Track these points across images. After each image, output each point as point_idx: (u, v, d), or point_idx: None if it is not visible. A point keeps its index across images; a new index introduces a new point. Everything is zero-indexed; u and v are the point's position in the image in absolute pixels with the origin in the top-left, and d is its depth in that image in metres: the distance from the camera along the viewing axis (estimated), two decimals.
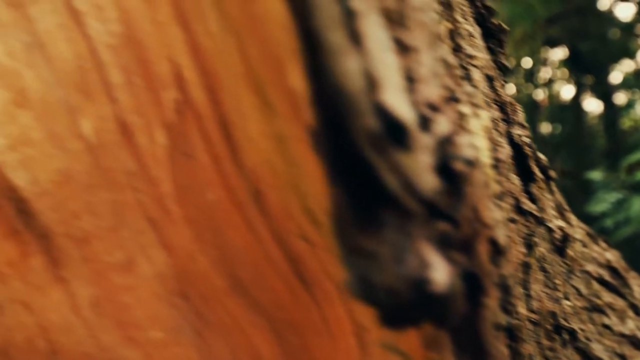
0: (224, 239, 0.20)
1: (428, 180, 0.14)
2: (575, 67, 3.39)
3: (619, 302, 0.46)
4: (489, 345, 0.20)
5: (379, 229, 0.14)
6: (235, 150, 0.19)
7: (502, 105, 0.29)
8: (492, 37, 0.34)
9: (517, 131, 0.30)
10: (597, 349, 0.39)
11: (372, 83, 0.14)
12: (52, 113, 0.18)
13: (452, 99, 0.18)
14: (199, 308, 0.21)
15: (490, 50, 0.33)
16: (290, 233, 0.20)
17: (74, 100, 0.18)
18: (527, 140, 0.31)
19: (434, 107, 0.16)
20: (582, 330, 0.37)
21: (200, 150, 0.19)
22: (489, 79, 0.29)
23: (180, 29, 0.18)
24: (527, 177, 0.31)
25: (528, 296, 0.29)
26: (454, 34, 0.25)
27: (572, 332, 0.35)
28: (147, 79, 0.19)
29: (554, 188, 0.40)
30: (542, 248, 0.32)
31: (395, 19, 0.16)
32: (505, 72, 0.34)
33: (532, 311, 0.29)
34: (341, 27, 0.14)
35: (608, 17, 3.25)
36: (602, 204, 1.77)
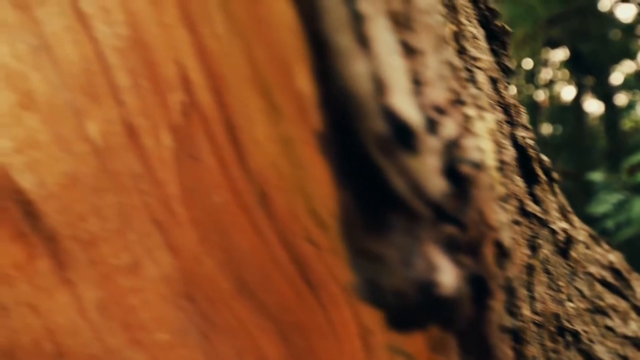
0: (230, 241, 0.20)
1: (436, 184, 0.14)
2: (576, 68, 3.39)
3: (622, 304, 0.46)
4: (494, 348, 0.20)
5: (387, 232, 0.14)
6: (241, 153, 0.19)
7: (505, 107, 0.29)
8: (496, 39, 0.34)
9: (520, 133, 0.30)
10: (600, 350, 0.39)
11: (380, 86, 0.14)
12: (58, 116, 0.18)
13: (458, 102, 0.18)
14: (205, 310, 0.21)
15: (494, 52, 0.33)
16: (296, 235, 0.20)
17: (80, 102, 0.18)
18: (531, 142, 0.31)
19: (440, 110, 0.16)
20: (585, 332, 0.37)
21: (206, 152, 0.19)
22: (493, 81, 0.29)
23: (186, 31, 0.18)
24: (531, 179, 0.31)
25: (532, 298, 0.29)
26: (458, 36, 0.25)
27: (575, 334, 0.35)
28: (154, 81, 0.19)
29: (557, 190, 0.40)
30: (546, 250, 0.32)
31: (401, 22, 0.16)
32: (508, 73, 0.34)
33: (536, 313, 0.29)
34: (349, 31, 0.14)
35: (609, 18, 3.25)
36: (603, 205, 1.77)
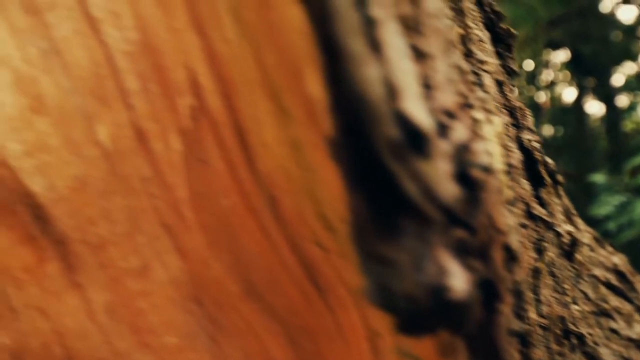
0: (238, 245, 0.20)
1: (448, 188, 0.14)
2: (577, 69, 3.39)
3: (626, 306, 0.46)
4: (503, 351, 0.20)
5: (398, 236, 0.15)
6: (250, 156, 0.19)
7: (511, 110, 0.29)
8: (501, 41, 0.34)
9: (526, 136, 0.30)
10: (604, 353, 0.39)
11: (392, 91, 0.14)
12: (68, 119, 0.18)
13: (466, 105, 0.18)
14: (214, 313, 0.21)
15: (499, 54, 0.33)
16: (304, 239, 0.20)
17: (90, 106, 0.19)
18: (537, 145, 0.31)
19: (450, 114, 0.16)
20: (590, 334, 0.37)
21: (215, 156, 0.19)
22: (499, 84, 0.29)
23: (196, 35, 0.18)
24: (537, 182, 0.31)
25: (538, 301, 0.29)
26: (465, 40, 0.25)
27: (580, 337, 0.35)
28: (163, 85, 0.19)
29: (561, 192, 0.40)
30: (551, 253, 0.32)
31: (411, 26, 0.16)
32: (513, 76, 0.34)
33: (542, 316, 0.29)
34: (361, 35, 0.14)
35: (610, 20, 3.26)
36: (605, 206, 1.77)
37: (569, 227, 0.35)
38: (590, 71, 3.32)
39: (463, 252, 0.16)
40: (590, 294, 0.39)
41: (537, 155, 0.31)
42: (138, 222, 0.19)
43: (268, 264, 0.20)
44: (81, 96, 0.18)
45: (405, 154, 0.13)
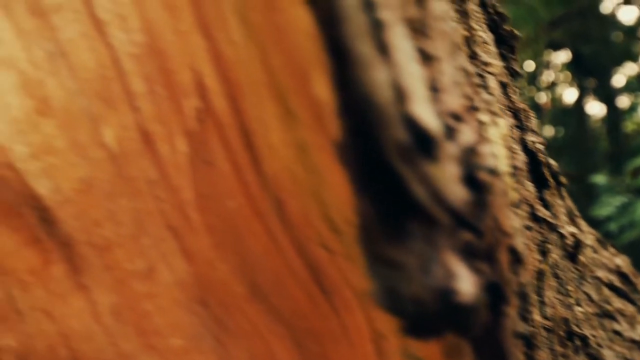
0: (243, 247, 0.20)
1: (456, 191, 0.14)
2: (578, 70, 3.39)
3: (629, 308, 0.46)
4: (508, 354, 0.20)
5: (406, 239, 0.15)
6: (256, 158, 0.19)
7: (515, 112, 0.29)
8: (504, 43, 0.34)
9: (530, 138, 0.30)
10: (608, 355, 0.39)
11: (400, 94, 0.14)
12: (74, 122, 0.18)
13: (472, 108, 0.18)
14: (219, 315, 0.21)
15: (502, 56, 0.33)
16: (310, 241, 0.20)
17: (96, 108, 0.19)
18: (541, 146, 0.31)
19: (457, 117, 0.16)
20: (593, 336, 0.37)
21: (221, 158, 0.19)
22: (503, 86, 0.29)
23: (202, 37, 0.18)
24: (541, 183, 0.31)
25: (542, 303, 0.29)
26: (469, 42, 0.25)
27: (584, 339, 0.35)
28: (169, 87, 0.19)
29: (564, 194, 0.40)
30: (555, 254, 0.32)
31: (418, 29, 0.16)
32: (516, 78, 0.34)
33: (546, 318, 0.29)
34: (369, 38, 0.14)
35: (611, 20, 3.26)
36: (606, 207, 1.77)
37: (573, 229, 0.35)
38: (591, 72, 3.32)
39: (470, 255, 0.16)
40: (594, 295, 0.39)
41: (541, 157, 0.31)
42: (144, 224, 0.19)
43: (273, 265, 0.20)
44: (87, 98, 0.18)
45: (413, 157, 0.13)
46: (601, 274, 0.41)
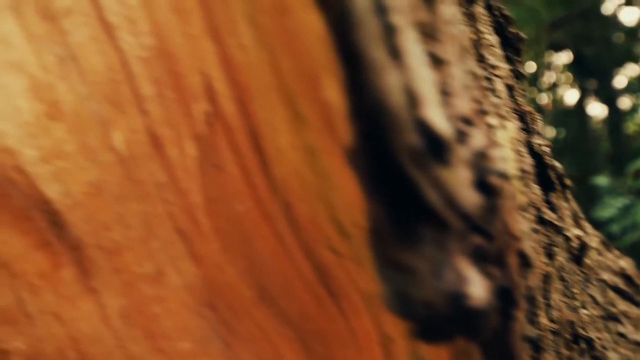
0: (252, 250, 0.20)
1: (469, 196, 0.14)
2: (580, 71, 3.39)
3: (634, 310, 0.45)
4: (517, 357, 0.20)
5: (417, 244, 0.15)
6: (264, 162, 0.19)
7: (522, 115, 0.29)
8: (510, 45, 0.34)
9: (537, 140, 0.30)
10: (613, 357, 0.39)
11: (412, 99, 0.14)
12: (84, 125, 0.18)
13: (481, 112, 0.18)
14: (227, 318, 0.21)
15: (508, 58, 0.33)
16: (318, 244, 0.20)
17: (105, 112, 0.19)
18: (547, 149, 0.31)
19: (467, 121, 0.16)
20: (598, 339, 0.37)
21: (229, 161, 0.19)
22: (509, 88, 0.29)
23: (211, 41, 0.18)
24: (547, 186, 0.31)
25: (548, 306, 0.29)
26: (477, 45, 0.25)
27: (589, 341, 0.35)
28: (178, 91, 0.19)
29: (569, 196, 0.40)
30: (561, 257, 0.32)
31: (428, 33, 0.16)
32: (521, 80, 0.34)
33: (552, 321, 0.29)
34: (382, 43, 0.14)
35: (612, 22, 3.26)
36: (608, 209, 1.77)
37: (578, 232, 0.35)
38: (592, 73, 3.32)
39: (481, 259, 0.16)
40: (599, 298, 0.39)
41: (547, 159, 0.31)
42: (153, 228, 0.19)
43: (281, 268, 0.20)
44: (97, 102, 0.18)
45: (426, 161, 0.13)
46: (606, 276, 0.41)
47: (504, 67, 0.28)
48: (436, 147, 0.14)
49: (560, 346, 0.31)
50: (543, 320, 0.27)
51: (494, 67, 0.26)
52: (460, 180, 0.14)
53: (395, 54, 0.14)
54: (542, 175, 0.30)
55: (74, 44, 0.18)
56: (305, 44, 0.16)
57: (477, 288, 0.15)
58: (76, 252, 0.19)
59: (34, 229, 0.19)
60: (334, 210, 0.19)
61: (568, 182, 0.38)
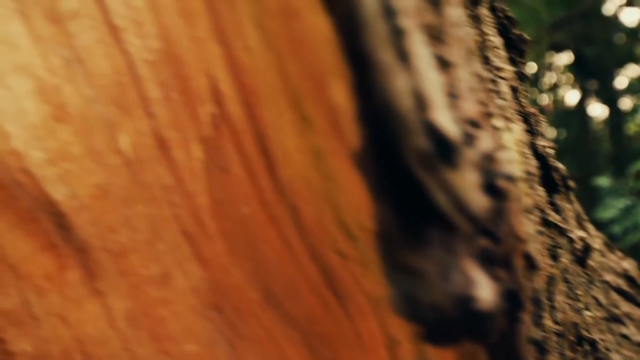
0: (258, 252, 0.20)
1: (477, 199, 0.14)
2: (580, 72, 3.39)
3: (636, 312, 0.45)
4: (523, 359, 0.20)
5: (425, 246, 0.15)
6: (271, 165, 0.19)
7: (526, 116, 0.30)
8: (513, 47, 0.34)
9: (541, 142, 0.30)
10: (616, 359, 0.39)
11: (420, 102, 0.14)
12: (90, 128, 0.18)
13: (487, 114, 0.18)
14: (233, 321, 0.21)
15: (512, 60, 0.33)
16: (324, 246, 0.20)
17: (112, 115, 0.19)
18: (551, 151, 0.31)
19: (474, 124, 0.16)
20: (602, 340, 0.37)
21: (236, 164, 0.19)
22: (513, 90, 0.29)
23: (218, 44, 0.18)
24: (551, 188, 0.31)
25: (552, 308, 0.29)
26: (482, 46, 0.25)
27: (593, 343, 0.35)
28: (185, 93, 0.19)
29: (572, 197, 0.40)
30: (565, 259, 0.32)
31: (435, 35, 0.16)
32: (525, 81, 0.34)
33: (556, 323, 0.29)
34: (390, 46, 0.14)
35: (613, 22, 3.25)
36: (610, 210, 1.77)
37: (581, 233, 0.35)
38: (593, 74, 3.32)
39: (488, 261, 0.16)
40: (602, 299, 0.39)
41: (551, 161, 0.31)
42: (159, 230, 0.19)
43: (287, 271, 0.20)
44: (103, 105, 0.18)
45: (434, 164, 0.13)
46: (609, 277, 0.41)
47: (508, 69, 0.28)
48: (444, 150, 0.14)
49: (564, 348, 0.31)
50: (547, 322, 0.27)
51: (498, 69, 0.26)
52: (468, 183, 0.14)
53: (403, 57, 0.14)
54: (546, 177, 0.30)
55: (80, 46, 0.18)
56: (312, 47, 0.16)
57: (485, 291, 0.15)
58: (82, 254, 0.19)
59: (40, 231, 0.19)
60: (340, 213, 0.19)
61: (571, 183, 0.38)
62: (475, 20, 0.25)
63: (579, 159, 3.20)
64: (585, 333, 0.34)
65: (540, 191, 0.29)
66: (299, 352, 0.21)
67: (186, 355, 0.20)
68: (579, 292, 0.34)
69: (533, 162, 0.27)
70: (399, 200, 0.14)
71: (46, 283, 0.19)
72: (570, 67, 3.52)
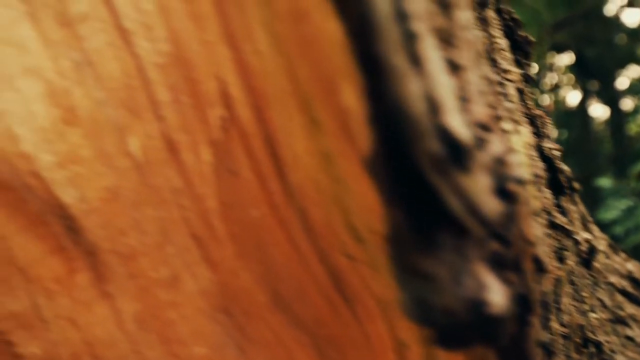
0: (266, 255, 0.20)
1: (489, 203, 0.14)
2: (582, 72, 3.39)
3: None
4: None
5: (437, 250, 0.15)
6: (280, 168, 0.19)
7: (532, 118, 0.30)
8: (519, 49, 0.34)
9: (547, 144, 0.30)
10: None
11: (433, 106, 0.14)
12: (100, 131, 0.18)
13: (497, 117, 0.18)
14: (242, 324, 0.21)
15: (517, 62, 0.33)
16: (333, 249, 0.20)
17: (121, 118, 0.19)
18: (557, 153, 0.31)
19: (485, 127, 0.16)
20: (607, 342, 0.37)
21: (245, 167, 0.19)
22: (520, 92, 0.29)
23: (228, 48, 0.18)
24: (557, 190, 0.31)
25: (559, 310, 0.29)
26: (489, 49, 0.25)
27: (598, 345, 0.35)
28: (194, 97, 0.19)
29: (577, 199, 0.40)
30: (570, 261, 0.32)
31: (445, 39, 0.16)
32: (531, 83, 0.34)
33: (562, 325, 0.29)
34: (402, 50, 0.14)
35: (614, 23, 3.25)
36: (612, 211, 1.77)
37: (587, 235, 0.35)
38: (594, 74, 3.31)
39: (498, 265, 0.16)
40: (607, 301, 0.39)
41: (557, 163, 0.31)
42: (168, 233, 0.19)
43: (296, 274, 0.20)
44: (113, 108, 0.19)
45: (447, 168, 0.13)
46: (614, 279, 0.41)
47: (515, 71, 0.28)
48: (457, 154, 0.14)
49: (570, 350, 0.31)
50: (554, 324, 0.27)
51: (505, 71, 0.26)
52: (480, 187, 0.14)
53: (415, 61, 0.14)
54: (553, 179, 0.30)
55: (90, 49, 0.18)
56: (322, 50, 0.16)
57: (497, 295, 0.15)
58: (91, 257, 0.19)
59: (49, 234, 0.19)
60: (349, 216, 0.19)
61: (576, 185, 0.38)
62: (483, 22, 0.25)
63: (580, 159, 3.20)
64: (590, 335, 0.34)
65: (547, 193, 0.29)
66: (307, 355, 0.21)
67: (195, 358, 0.20)
68: (584, 294, 0.34)
69: (540, 165, 0.27)
70: (411, 204, 0.14)
71: (55, 286, 0.19)
72: (572, 68, 3.51)
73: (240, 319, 0.21)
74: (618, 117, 3.27)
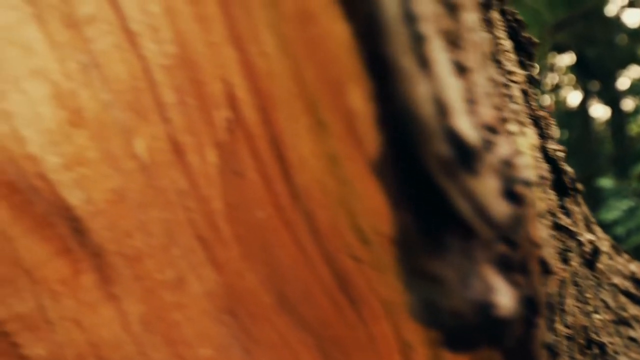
0: (272, 257, 0.20)
1: (498, 205, 0.14)
2: (582, 73, 3.39)
3: None
4: None
5: (444, 252, 0.15)
6: (286, 169, 0.19)
7: (536, 120, 0.29)
8: (523, 50, 0.34)
9: (551, 146, 0.30)
10: None
11: (441, 108, 0.14)
12: (106, 133, 0.18)
13: (503, 119, 0.18)
14: (247, 325, 0.21)
15: (521, 63, 0.33)
16: (338, 251, 0.20)
17: (128, 120, 0.19)
18: (561, 154, 0.31)
19: (492, 129, 0.16)
20: (610, 343, 0.37)
21: (250, 169, 0.19)
22: (524, 94, 0.29)
23: (234, 49, 0.18)
24: (562, 191, 0.31)
25: (563, 311, 0.29)
26: (494, 51, 0.25)
27: (602, 346, 0.35)
28: (200, 98, 0.19)
29: (580, 200, 0.40)
30: (574, 262, 0.32)
31: (452, 41, 0.16)
32: (535, 85, 0.34)
33: (567, 326, 0.29)
34: (411, 52, 0.14)
35: (615, 23, 3.25)
36: (613, 211, 1.77)
37: (590, 236, 0.35)
38: (595, 74, 3.31)
39: (506, 267, 0.16)
40: (610, 302, 0.39)
41: (561, 165, 0.31)
42: (174, 235, 0.19)
43: (302, 275, 0.20)
44: (119, 109, 0.19)
45: (455, 170, 0.13)
46: (617, 280, 0.41)
47: (519, 73, 0.28)
48: (465, 156, 0.14)
49: (574, 351, 0.31)
50: (559, 326, 0.27)
51: (510, 72, 0.26)
52: (489, 189, 0.14)
53: (424, 63, 0.14)
54: (557, 181, 0.30)
55: (96, 51, 0.18)
56: (329, 52, 0.16)
57: (505, 297, 0.15)
58: (97, 258, 0.19)
59: (55, 236, 0.19)
60: (355, 218, 0.19)
61: (579, 186, 0.38)
62: (488, 24, 0.25)
63: (581, 160, 3.20)
64: (594, 336, 0.34)
65: (552, 195, 0.29)
66: (312, 356, 0.21)
67: None
68: (588, 295, 0.34)
69: (545, 166, 0.27)
70: (418, 206, 0.14)
71: (61, 287, 0.19)
72: (572, 68, 3.51)
73: (245, 320, 0.21)
74: (619, 118, 3.27)
